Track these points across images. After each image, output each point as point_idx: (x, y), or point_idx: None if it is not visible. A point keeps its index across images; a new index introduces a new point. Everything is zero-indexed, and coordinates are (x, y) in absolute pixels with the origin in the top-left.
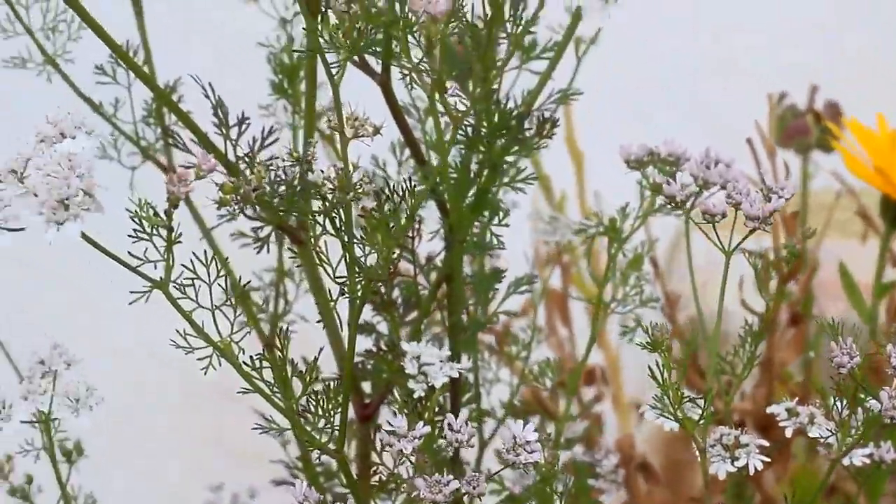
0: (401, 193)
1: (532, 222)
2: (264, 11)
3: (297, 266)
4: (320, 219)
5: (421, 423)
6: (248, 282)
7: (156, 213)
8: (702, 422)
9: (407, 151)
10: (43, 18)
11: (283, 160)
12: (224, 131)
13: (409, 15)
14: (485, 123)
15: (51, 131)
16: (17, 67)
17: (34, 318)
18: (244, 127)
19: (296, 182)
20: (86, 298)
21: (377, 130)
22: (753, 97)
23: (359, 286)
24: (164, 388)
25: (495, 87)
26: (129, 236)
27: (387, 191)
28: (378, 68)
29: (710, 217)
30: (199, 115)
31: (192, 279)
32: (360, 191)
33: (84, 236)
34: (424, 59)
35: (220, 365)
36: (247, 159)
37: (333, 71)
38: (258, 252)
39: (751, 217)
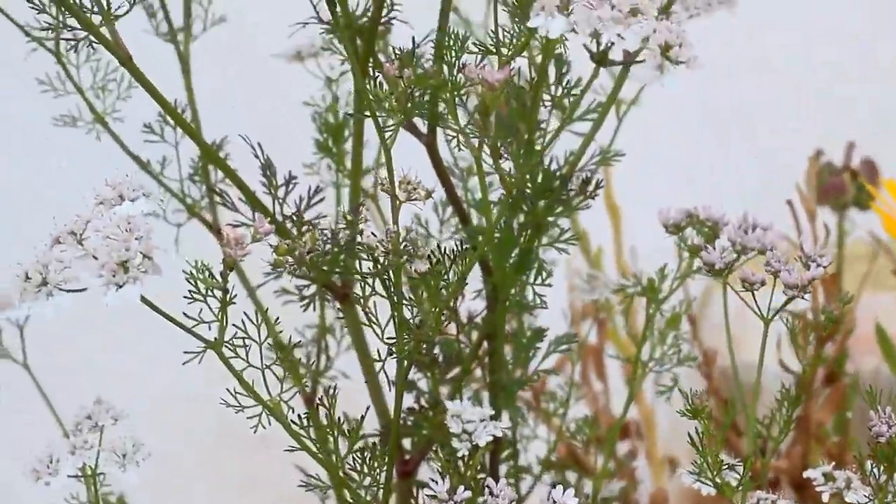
0: (451, 257)
1: (570, 280)
2: (309, 71)
3: (339, 319)
4: (368, 277)
5: (462, 487)
6: (298, 342)
7: (211, 275)
8: (740, 488)
9: (449, 209)
10: (93, 77)
11: (335, 222)
12: (272, 191)
13: (457, 78)
14: (529, 184)
15: (110, 194)
16: (68, 125)
17: (69, 361)
18: (291, 186)
19: (344, 243)
20: (120, 342)
21: (429, 195)
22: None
23: (407, 347)
24: (199, 430)
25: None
26: (185, 297)
27: (437, 254)
28: (424, 128)
29: (748, 285)
30: (245, 173)
31: (244, 338)
32: (412, 255)
33: (142, 298)
34: (471, 123)
35: (270, 424)
36: (294, 218)
37: (386, 135)
38: (304, 311)
39: (790, 286)
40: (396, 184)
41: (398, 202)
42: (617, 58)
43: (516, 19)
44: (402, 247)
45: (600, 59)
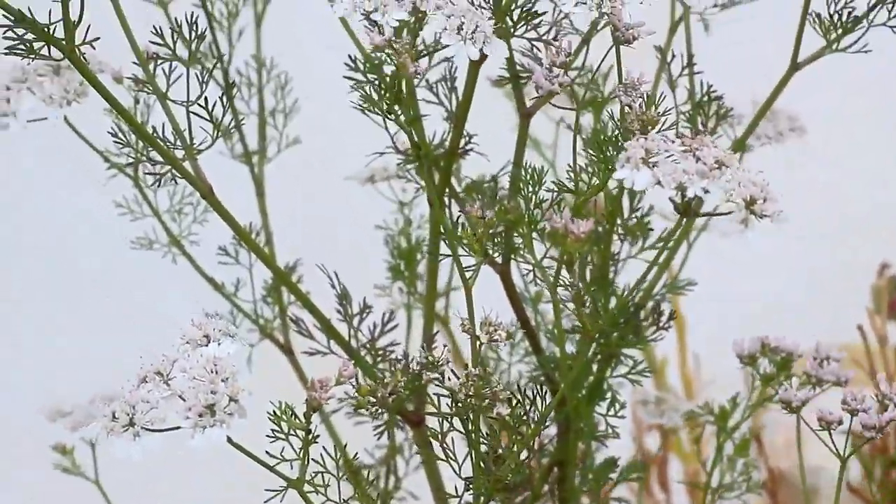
0: (531, 398)
1: (637, 403)
2: (382, 193)
3: (407, 440)
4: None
5: None
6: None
7: (294, 416)
8: None
9: (519, 333)
10: (170, 201)
11: (407, 352)
12: (347, 319)
13: (534, 213)
14: (601, 313)
15: (195, 333)
16: (144, 248)
17: (138, 479)
18: (366, 314)
19: (422, 378)
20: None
21: (510, 336)
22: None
23: (485, 487)
24: None
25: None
26: (268, 436)
27: (517, 395)
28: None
29: (825, 424)
30: (318, 295)
31: (323, 473)
32: (493, 399)
33: (228, 440)
34: (548, 256)
35: None
36: (368, 347)
37: (467, 274)
38: (378, 438)
39: (867, 427)
40: (477, 325)
41: (479, 344)
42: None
43: (595, 160)
44: (482, 390)
45: (685, 210)
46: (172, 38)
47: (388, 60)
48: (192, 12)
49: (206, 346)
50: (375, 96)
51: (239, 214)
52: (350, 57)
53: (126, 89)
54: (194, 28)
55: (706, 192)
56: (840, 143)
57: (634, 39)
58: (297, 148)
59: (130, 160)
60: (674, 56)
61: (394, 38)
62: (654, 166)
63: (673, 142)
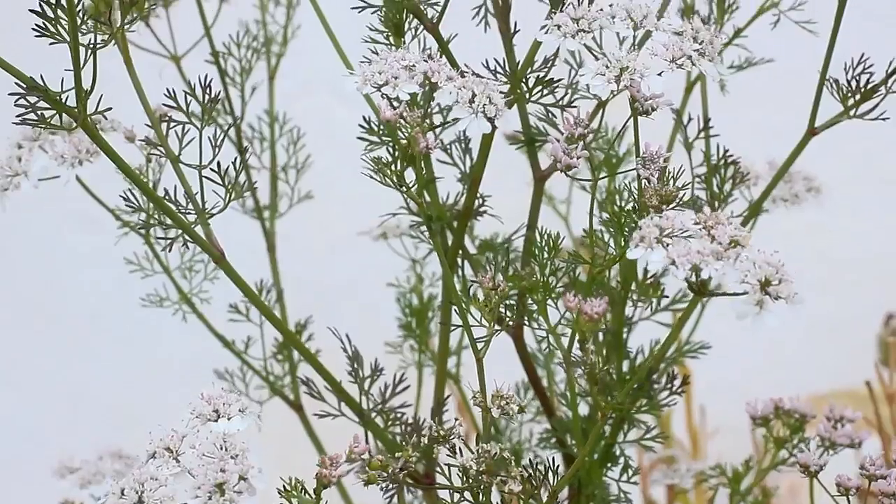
0: (542, 472)
1: (646, 465)
2: (394, 250)
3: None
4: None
5: None
6: None
7: (304, 491)
8: None
9: (530, 392)
10: (181, 258)
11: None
12: (359, 383)
13: (549, 279)
14: (614, 377)
15: (205, 409)
16: (155, 305)
17: None
18: (377, 376)
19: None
20: None
21: (522, 409)
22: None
23: None
24: None
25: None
26: None
27: (529, 469)
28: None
29: (843, 490)
30: (328, 353)
31: None
32: (505, 476)
33: None
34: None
35: None
36: (378, 409)
37: (478, 345)
38: (388, 502)
39: (887, 494)
40: (489, 398)
41: (490, 417)
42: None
43: (611, 231)
44: (495, 466)
45: (699, 290)
46: (185, 99)
47: (400, 133)
48: (206, 74)
49: (216, 421)
50: (389, 157)
51: (249, 270)
52: (364, 119)
53: (138, 147)
54: (208, 90)
55: (720, 273)
56: (842, 192)
57: (653, 110)
58: (308, 203)
59: (143, 226)
60: (690, 119)
61: (406, 112)
62: (668, 246)
63: (689, 219)
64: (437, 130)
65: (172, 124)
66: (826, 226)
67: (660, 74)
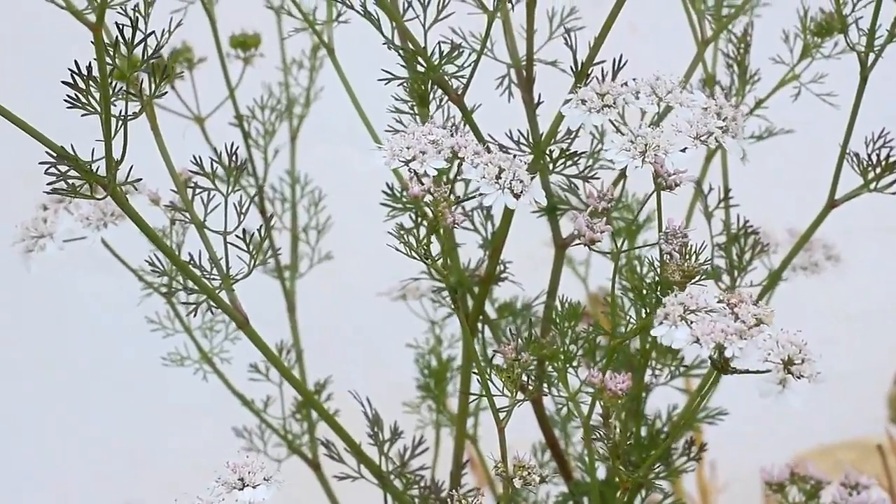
0: None
1: None
2: (413, 311)
3: None
4: None
5: None
6: None
7: None
8: None
9: (547, 454)
10: (202, 318)
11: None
12: (379, 446)
13: (569, 348)
14: (631, 442)
15: (231, 478)
16: (176, 364)
17: None
18: (396, 438)
19: None
20: None
21: (543, 480)
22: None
23: None
24: None
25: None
26: None
27: None
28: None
29: None
30: (347, 413)
31: None
32: None
33: None
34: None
35: None
36: (397, 472)
37: (500, 415)
38: None
39: None
40: (511, 467)
41: (511, 486)
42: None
43: (638, 303)
44: None
45: (722, 367)
46: (212, 166)
47: (427, 209)
48: (232, 142)
49: (242, 489)
50: (411, 223)
51: (269, 329)
52: (388, 185)
53: (162, 210)
54: (234, 159)
55: (744, 352)
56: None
57: (677, 186)
58: (328, 263)
59: (168, 292)
60: (710, 189)
61: (433, 188)
62: (692, 324)
63: (713, 297)
64: (461, 200)
65: (198, 190)
66: (835, 278)
67: (683, 150)
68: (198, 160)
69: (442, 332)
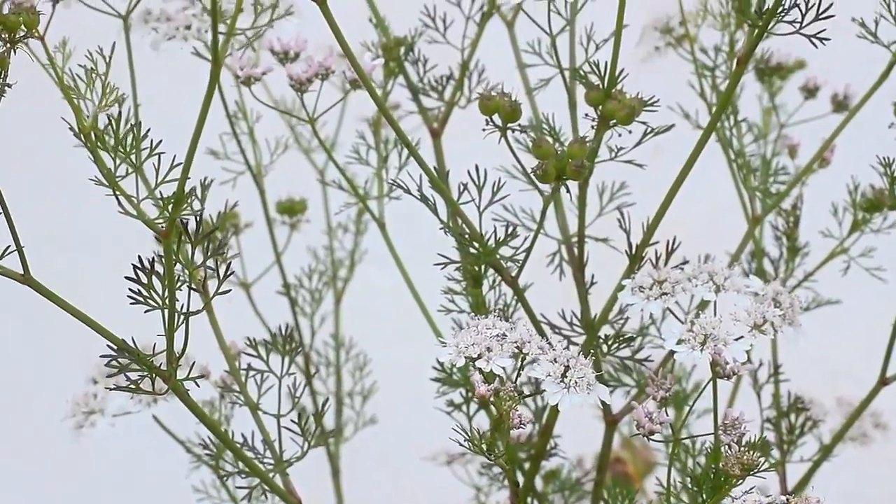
0: None
1: None
2: (458, 477)
3: None
4: None
5: None
6: None
7: None
8: None
9: None
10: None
11: None
12: None
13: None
14: None
15: None
16: None
17: None
18: None
19: None
20: None
21: None
22: None
23: None
24: None
25: None
26: None
27: None
28: None
29: None
30: None
31: None
32: None
33: None
34: None
35: None
36: None
37: None
38: None
39: None
40: None
41: None
42: None
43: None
44: None
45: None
46: (266, 348)
47: (493, 408)
48: (287, 324)
49: None
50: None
51: (314, 496)
52: (438, 362)
53: (212, 384)
54: (289, 341)
55: None
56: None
57: (735, 375)
58: (373, 427)
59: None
60: (760, 364)
61: (500, 388)
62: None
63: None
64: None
65: (252, 372)
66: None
67: (738, 340)
68: (252, 342)
69: (487, 499)
